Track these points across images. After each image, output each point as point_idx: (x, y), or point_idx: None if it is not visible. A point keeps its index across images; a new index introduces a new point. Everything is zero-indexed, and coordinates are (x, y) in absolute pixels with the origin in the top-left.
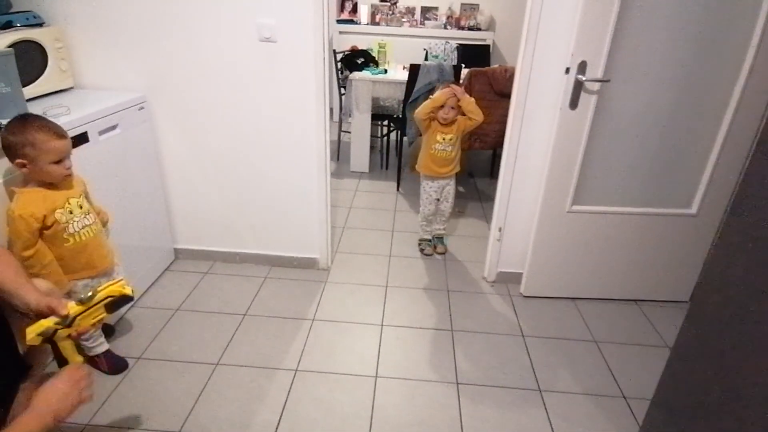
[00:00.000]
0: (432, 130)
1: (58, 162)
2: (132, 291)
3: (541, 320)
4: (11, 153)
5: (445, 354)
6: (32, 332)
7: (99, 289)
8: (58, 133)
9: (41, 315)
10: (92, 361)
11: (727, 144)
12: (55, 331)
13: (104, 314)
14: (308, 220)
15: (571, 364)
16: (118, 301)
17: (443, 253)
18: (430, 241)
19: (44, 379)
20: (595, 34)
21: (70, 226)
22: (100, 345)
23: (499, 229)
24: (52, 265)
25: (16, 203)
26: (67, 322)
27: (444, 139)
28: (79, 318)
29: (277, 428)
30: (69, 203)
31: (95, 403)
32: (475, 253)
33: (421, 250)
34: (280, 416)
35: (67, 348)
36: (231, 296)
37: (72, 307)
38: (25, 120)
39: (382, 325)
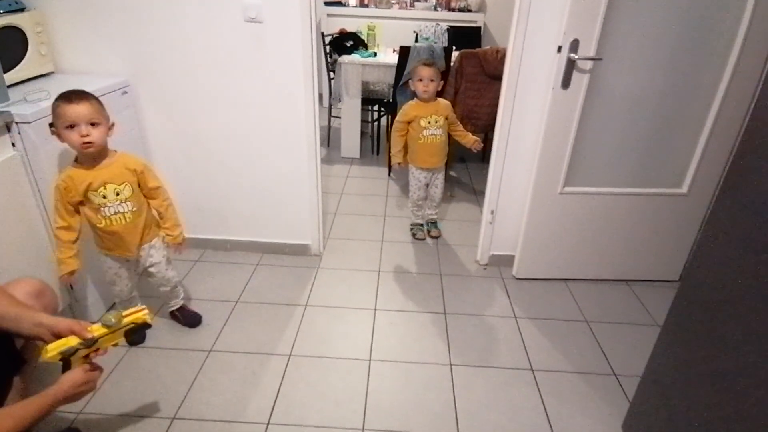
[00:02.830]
0: (414, 123)
1: (72, 127)
2: (152, 320)
3: (533, 302)
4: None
5: (438, 337)
6: (54, 350)
7: (125, 314)
8: (70, 97)
9: (58, 335)
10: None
11: (718, 124)
12: (76, 350)
13: (121, 339)
14: (299, 206)
15: (562, 344)
16: (138, 329)
17: (437, 237)
18: (421, 225)
19: (31, 376)
20: (587, 12)
21: (102, 209)
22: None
23: (491, 212)
24: (67, 243)
25: (59, 176)
26: (90, 343)
27: (430, 123)
28: (101, 340)
29: (271, 413)
30: (105, 188)
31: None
32: (468, 236)
33: (413, 235)
34: (275, 401)
35: (78, 365)
36: (223, 284)
37: (97, 329)
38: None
39: (375, 309)
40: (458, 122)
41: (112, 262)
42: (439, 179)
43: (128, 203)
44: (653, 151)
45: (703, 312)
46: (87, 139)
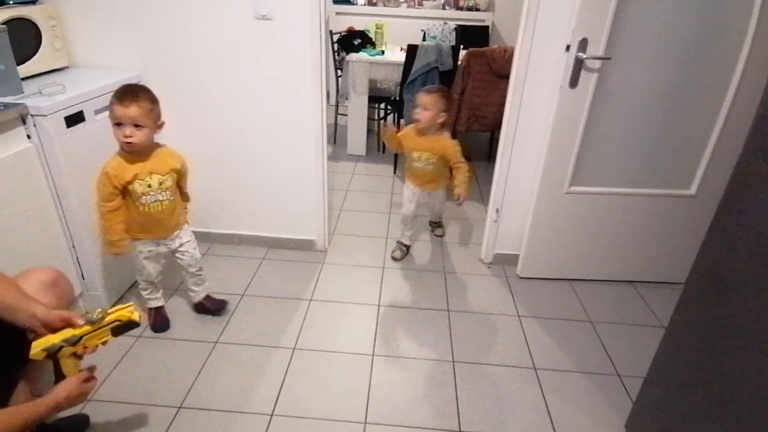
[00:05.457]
0: (409, 148)
1: (118, 125)
2: (140, 317)
3: (537, 301)
4: None
5: (441, 333)
6: (38, 347)
7: (109, 311)
8: (122, 97)
9: (49, 326)
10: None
11: (728, 125)
12: (60, 348)
13: (110, 337)
14: (305, 202)
15: (566, 344)
16: (125, 326)
17: (442, 236)
18: (406, 246)
19: (39, 374)
20: (596, 11)
21: (143, 197)
22: (154, 300)
23: (497, 211)
24: (117, 225)
25: (108, 162)
26: (73, 340)
27: (420, 157)
28: (86, 338)
29: (275, 405)
30: (150, 177)
31: (97, 379)
32: (473, 235)
33: (392, 252)
34: (278, 393)
35: (69, 366)
36: (229, 277)
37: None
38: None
39: (378, 305)
40: (461, 161)
41: (142, 246)
42: (438, 199)
43: (167, 192)
44: (661, 152)
45: (708, 314)
46: (129, 140)
